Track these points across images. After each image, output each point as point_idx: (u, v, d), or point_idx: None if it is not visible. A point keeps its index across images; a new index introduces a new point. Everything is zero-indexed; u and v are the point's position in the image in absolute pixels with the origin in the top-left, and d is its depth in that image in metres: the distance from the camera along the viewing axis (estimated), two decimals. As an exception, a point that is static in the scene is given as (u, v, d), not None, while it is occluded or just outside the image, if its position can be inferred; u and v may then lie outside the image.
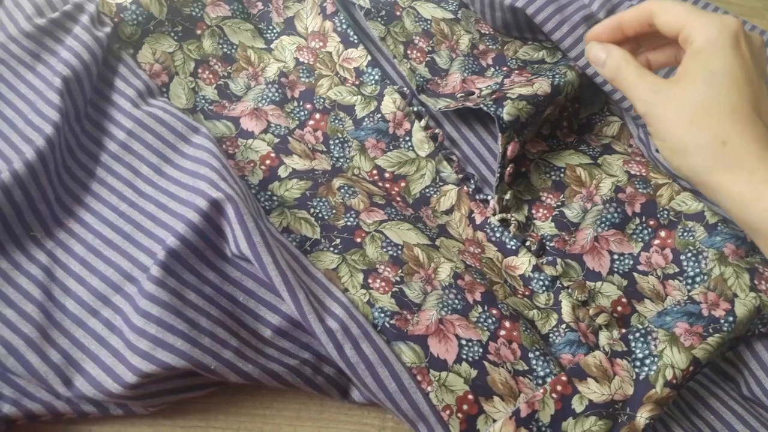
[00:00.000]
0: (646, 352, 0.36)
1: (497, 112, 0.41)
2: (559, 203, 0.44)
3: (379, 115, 0.45)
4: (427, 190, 0.44)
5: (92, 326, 0.35)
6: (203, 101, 0.43)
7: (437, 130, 0.45)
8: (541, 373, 0.36)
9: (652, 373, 0.35)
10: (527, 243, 0.42)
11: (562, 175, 0.45)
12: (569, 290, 0.40)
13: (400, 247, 0.39)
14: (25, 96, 0.38)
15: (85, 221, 0.37)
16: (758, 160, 0.29)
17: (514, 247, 0.42)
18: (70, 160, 0.38)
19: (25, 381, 0.34)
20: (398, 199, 0.43)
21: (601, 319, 0.39)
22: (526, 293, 0.41)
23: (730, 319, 0.37)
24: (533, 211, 0.44)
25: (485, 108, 0.41)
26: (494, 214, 0.43)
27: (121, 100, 0.39)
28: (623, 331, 0.38)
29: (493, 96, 0.43)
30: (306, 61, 0.46)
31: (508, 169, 0.43)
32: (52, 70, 0.38)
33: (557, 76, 0.44)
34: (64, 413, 0.35)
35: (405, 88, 0.46)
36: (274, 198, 0.40)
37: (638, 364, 0.36)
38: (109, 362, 0.34)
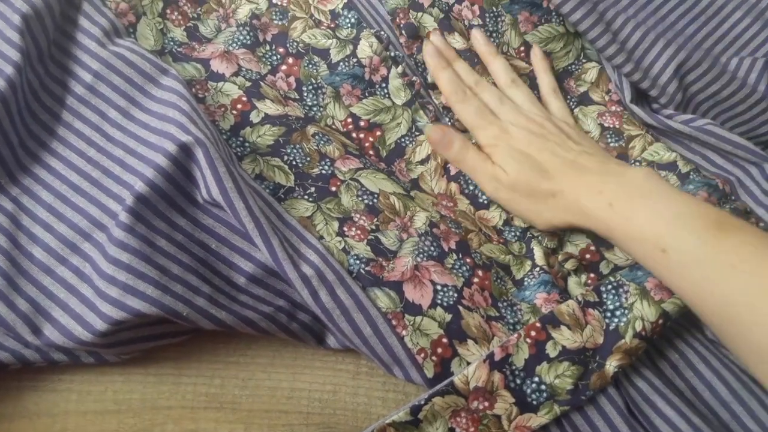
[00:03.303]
0: (617, 303, 0.37)
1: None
2: None
3: (354, 60, 0.43)
4: (403, 140, 0.43)
5: (61, 274, 0.34)
6: (172, 43, 0.42)
7: (414, 78, 0.44)
8: (511, 321, 0.37)
9: (622, 324, 0.36)
10: None
11: None
12: (539, 239, 0.40)
13: (375, 195, 0.39)
14: (-18, 34, 0.36)
15: (51, 167, 0.36)
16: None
17: (485, 202, 0.42)
18: (34, 103, 0.37)
19: (-8, 329, 0.34)
20: (371, 152, 0.42)
21: (569, 265, 0.39)
22: (501, 241, 0.41)
23: None
24: None
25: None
26: None
27: (86, 40, 0.38)
28: (591, 276, 0.38)
29: None
30: (279, 3, 0.44)
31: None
32: (11, 7, 0.36)
33: None
34: (33, 362, 0.34)
35: (382, 32, 0.45)
36: (246, 144, 0.39)
37: (609, 315, 0.36)
38: (78, 310, 0.33)
